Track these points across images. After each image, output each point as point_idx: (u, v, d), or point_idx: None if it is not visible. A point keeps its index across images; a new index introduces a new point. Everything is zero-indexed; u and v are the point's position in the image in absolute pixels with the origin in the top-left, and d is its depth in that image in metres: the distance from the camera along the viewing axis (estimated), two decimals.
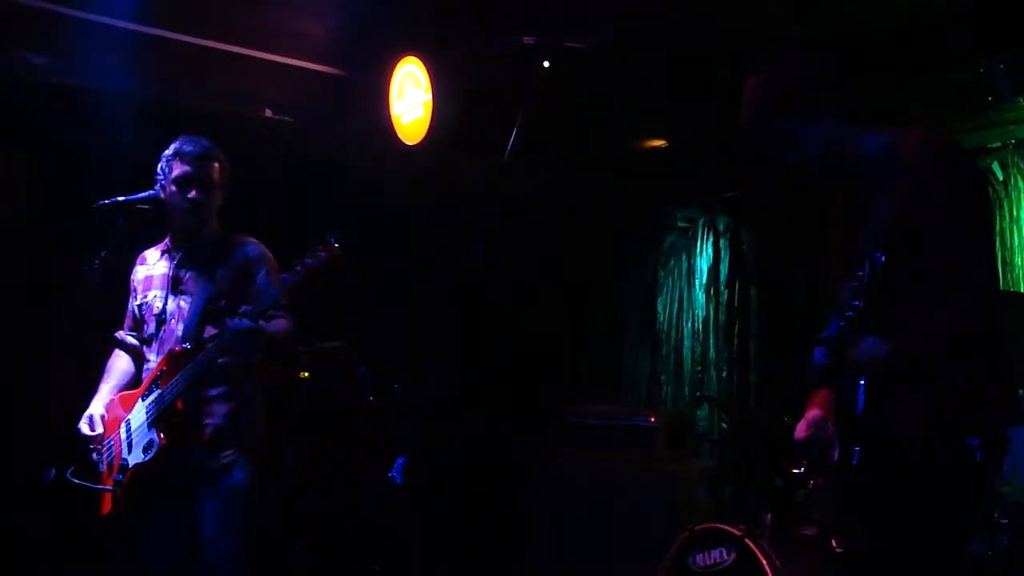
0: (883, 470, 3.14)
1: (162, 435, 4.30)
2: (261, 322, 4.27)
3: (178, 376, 4.32)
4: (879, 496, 3.17)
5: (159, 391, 4.36)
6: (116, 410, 4.56)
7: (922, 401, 3.11)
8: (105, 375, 4.71)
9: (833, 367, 3.10)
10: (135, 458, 4.35)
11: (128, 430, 4.44)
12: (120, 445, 4.43)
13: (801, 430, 3.44)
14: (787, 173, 3.45)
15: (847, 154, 3.34)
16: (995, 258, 3.28)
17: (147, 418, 4.37)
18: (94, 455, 4.49)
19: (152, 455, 4.30)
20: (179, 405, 4.33)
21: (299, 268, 4.09)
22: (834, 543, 4.95)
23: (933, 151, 3.20)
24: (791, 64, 3.37)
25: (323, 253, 4.08)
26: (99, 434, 4.50)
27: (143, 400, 4.43)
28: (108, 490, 4.40)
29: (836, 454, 3.28)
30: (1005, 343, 3.26)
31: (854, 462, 3.15)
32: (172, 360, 4.39)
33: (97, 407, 4.58)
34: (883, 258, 2.92)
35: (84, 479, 4.45)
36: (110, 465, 4.44)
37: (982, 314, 3.14)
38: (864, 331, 3.00)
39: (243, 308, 4.27)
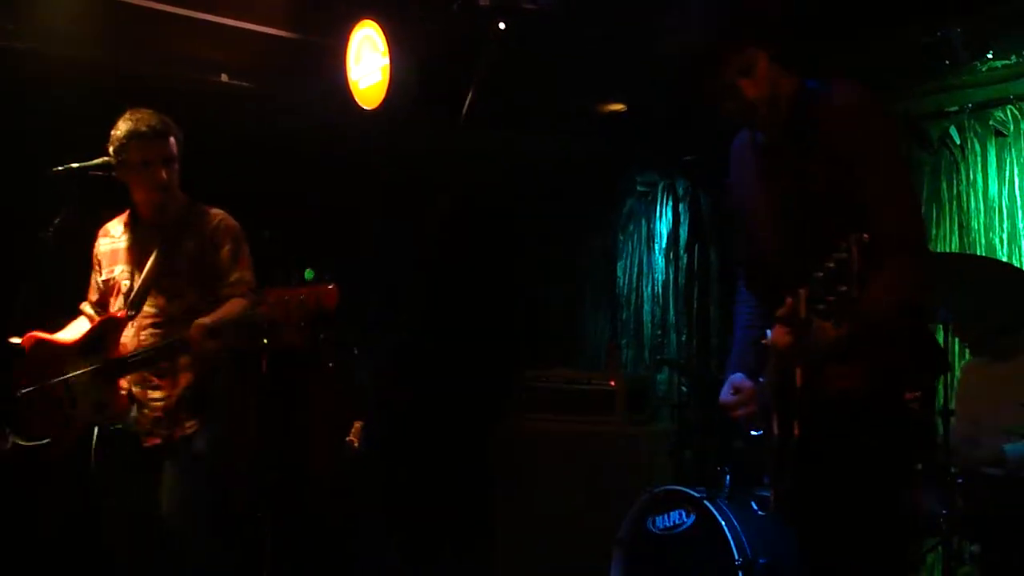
0: (826, 433, 3.14)
1: (116, 398, 4.32)
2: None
3: (137, 354, 4.32)
4: (824, 459, 3.15)
5: (107, 357, 4.34)
6: (44, 356, 4.50)
7: (862, 363, 3.08)
8: (63, 330, 4.68)
9: (794, 348, 3.01)
10: (83, 415, 4.37)
11: (69, 384, 4.41)
12: (61, 396, 4.42)
13: (727, 394, 3.44)
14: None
15: (782, 108, 3.21)
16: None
17: (93, 379, 4.36)
18: (30, 400, 4.47)
19: (107, 417, 4.35)
20: (135, 376, 4.37)
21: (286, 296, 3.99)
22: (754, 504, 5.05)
23: (867, 109, 3.13)
24: (734, 10, 3.18)
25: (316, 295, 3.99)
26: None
27: (84, 358, 4.40)
28: (48, 441, 4.40)
29: (774, 422, 3.23)
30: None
31: (795, 430, 3.12)
32: (111, 324, 4.39)
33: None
34: (865, 238, 2.67)
35: (25, 436, 4.43)
36: (46, 414, 4.42)
37: (924, 279, 3.13)
38: (845, 317, 2.78)
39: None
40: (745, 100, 3.18)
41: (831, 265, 2.68)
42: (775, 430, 3.23)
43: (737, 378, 3.43)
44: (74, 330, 4.64)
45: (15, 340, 4.51)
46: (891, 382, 3.14)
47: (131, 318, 4.40)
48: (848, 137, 3.08)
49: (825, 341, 2.89)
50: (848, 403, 3.13)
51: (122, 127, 4.47)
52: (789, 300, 2.93)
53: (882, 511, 3.14)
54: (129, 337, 4.44)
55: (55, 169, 4.48)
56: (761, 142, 3.38)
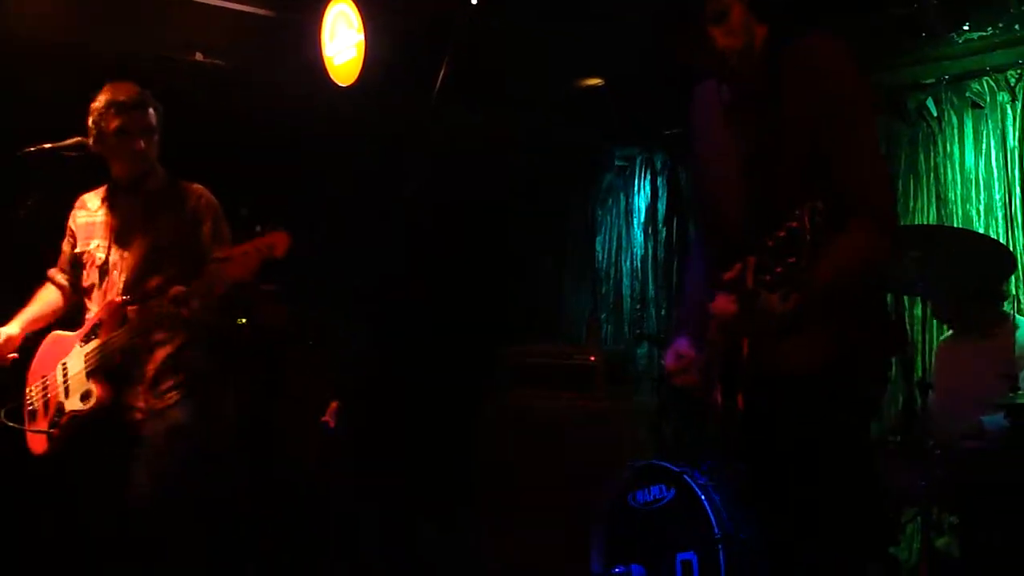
0: (775, 410, 3.03)
1: (99, 386, 4.27)
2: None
3: (120, 331, 4.28)
4: (775, 437, 3.06)
5: (99, 342, 4.31)
6: (53, 349, 4.51)
7: (814, 337, 2.97)
8: (30, 302, 4.65)
9: (738, 319, 2.89)
10: (72, 404, 4.32)
11: (65, 373, 4.40)
12: (57, 387, 4.40)
13: (671, 360, 3.33)
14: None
15: (754, 60, 3.09)
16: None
17: (86, 367, 4.33)
18: (29, 394, 4.48)
19: (90, 405, 4.27)
20: (117, 359, 4.30)
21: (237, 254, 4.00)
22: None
23: (838, 63, 3.02)
24: None
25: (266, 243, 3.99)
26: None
27: (81, 346, 4.38)
28: (43, 432, 4.37)
29: (719, 396, 3.11)
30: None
31: (741, 405, 3.02)
32: (111, 310, 4.35)
33: (11, 328, 4.51)
34: (822, 206, 2.56)
35: (17, 420, 4.42)
36: (45, 405, 4.41)
37: (887, 244, 2.99)
38: (793, 289, 2.67)
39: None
40: (715, 50, 3.07)
41: (782, 234, 2.59)
42: (719, 401, 3.12)
43: (682, 344, 3.30)
44: (41, 301, 4.63)
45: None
46: (845, 358, 3.02)
47: (128, 303, 4.37)
48: (816, 89, 2.99)
49: (770, 314, 2.78)
50: (799, 379, 3.01)
51: (102, 98, 4.46)
52: (738, 266, 2.84)
53: (837, 489, 3.04)
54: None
55: (27, 150, 4.45)
56: (727, 96, 3.27)
